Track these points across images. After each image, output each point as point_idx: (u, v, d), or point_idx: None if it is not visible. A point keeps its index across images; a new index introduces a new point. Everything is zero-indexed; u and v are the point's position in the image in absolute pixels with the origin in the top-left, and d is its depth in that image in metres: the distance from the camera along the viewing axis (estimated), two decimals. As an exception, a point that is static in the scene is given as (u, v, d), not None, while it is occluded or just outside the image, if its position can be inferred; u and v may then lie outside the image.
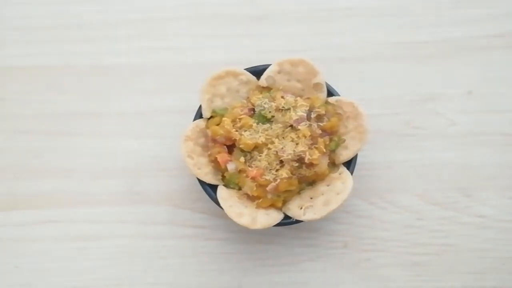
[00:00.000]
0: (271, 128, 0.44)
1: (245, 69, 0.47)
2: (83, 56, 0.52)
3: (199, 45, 0.53)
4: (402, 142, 0.50)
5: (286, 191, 0.44)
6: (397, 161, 0.49)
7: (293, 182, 0.43)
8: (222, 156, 0.45)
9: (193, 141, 0.45)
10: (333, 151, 0.45)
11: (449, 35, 0.52)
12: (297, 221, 0.44)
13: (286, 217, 0.44)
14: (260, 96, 0.45)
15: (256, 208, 0.44)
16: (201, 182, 0.45)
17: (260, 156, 0.44)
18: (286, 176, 0.43)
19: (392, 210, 0.48)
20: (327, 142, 0.44)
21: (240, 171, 0.44)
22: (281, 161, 0.43)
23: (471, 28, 0.52)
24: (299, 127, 0.43)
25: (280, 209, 0.45)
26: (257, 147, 0.44)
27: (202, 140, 0.46)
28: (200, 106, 0.47)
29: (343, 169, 0.45)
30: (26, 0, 0.54)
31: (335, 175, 0.45)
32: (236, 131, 0.44)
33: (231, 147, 0.45)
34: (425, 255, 0.47)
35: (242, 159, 0.44)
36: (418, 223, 0.48)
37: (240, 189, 0.45)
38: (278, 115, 0.44)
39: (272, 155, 0.43)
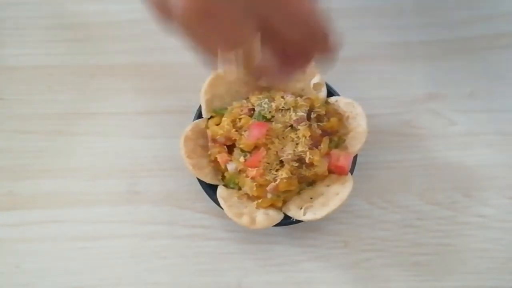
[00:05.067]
0: (271, 128, 0.44)
1: (245, 69, 0.47)
2: (83, 56, 0.53)
3: (199, 45, 0.53)
4: (402, 142, 0.50)
5: (286, 191, 0.44)
6: (397, 161, 0.49)
7: (293, 182, 0.43)
8: (222, 156, 0.45)
9: (193, 141, 0.45)
10: (333, 151, 0.45)
11: (449, 35, 0.52)
12: (297, 221, 0.44)
13: (286, 217, 0.44)
14: (260, 96, 0.45)
15: (256, 208, 0.44)
16: (201, 182, 0.45)
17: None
18: (286, 176, 0.43)
19: (392, 210, 0.48)
20: (328, 142, 0.45)
21: (240, 171, 0.44)
22: (281, 161, 0.43)
23: (471, 28, 0.52)
24: (299, 127, 0.43)
25: (280, 209, 0.45)
26: (257, 147, 0.44)
27: (202, 140, 0.46)
28: (200, 106, 0.47)
29: (343, 169, 0.45)
30: (26, 0, 0.54)
31: (335, 175, 0.45)
32: (236, 131, 0.44)
33: (231, 147, 0.45)
34: (425, 255, 0.47)
35: (242, 159, 0.44)
36: (418, 223, 0.48)
37: (240, 189, 0.45)
38: (278, 115, 0.44)
39: (272, 155, 0.43)
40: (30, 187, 0.49)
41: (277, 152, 0.43)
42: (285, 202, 0.45)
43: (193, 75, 0.51)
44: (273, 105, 0.44)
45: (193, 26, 0.26)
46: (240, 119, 0.45)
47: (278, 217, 0.44)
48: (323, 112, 0.45)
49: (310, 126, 0.44)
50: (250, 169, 0.43)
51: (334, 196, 0.43)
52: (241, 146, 0.44)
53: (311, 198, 0.44)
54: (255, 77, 0.33)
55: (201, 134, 0.46)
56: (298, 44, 0.29)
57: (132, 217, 0.48)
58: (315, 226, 0.48)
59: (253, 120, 0.44)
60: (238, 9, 0.26)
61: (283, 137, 0.44)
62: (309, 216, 0.43)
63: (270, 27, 0.27)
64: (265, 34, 0.28)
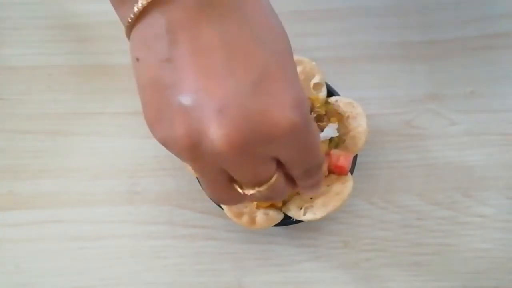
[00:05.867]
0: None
1: (245, 69, 0.47)
2: (83, 56, 0.53)
3: (199, 45, 0.53)
4: (402, 142, 0.50)
5: (286, 191, 0.44)
6: (397, 161, 0.49)
7: (293, 182, 0.43)
8: (222, 156, 0.44)
9: (193, 141, 0.45)
10: (333, 151, 0.45)
11: (449, 35, 0.52)
12: (297, 221, 0.44)
13: (286, 217, 0.44)
14: (260, 96, 0.45)
15: (256, 208, 0.44)
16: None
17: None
18: (286, 176, 0.43)
19: (392, 210, 0.48)
20: (328, 143, 0.44)
21: (240, 171, 0.44)
22: (281, 161, 0.43)
23: (471, 28, 0.52)
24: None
25: (280, 209, 0.45)
26: (257, 147, 0.44)
27: (202, 140, 0.46)
28: (200, 106, 0.47)
29: (343, 169, 0.45)
30: (26, 0, 0.54)
31: (335, 175, 0.45)
32: (236, 131, 0.44)
33: (231, 147, 0.45)
34: (425, 255, 0.47)
35: (242, 159, 0.44)
36: (418, 223, 0.48)
37: (240, 189, 0.45)
38: (278, 115, 0.44)
39: (272, 155, 0.43)
40: (30, 187, 0.49)
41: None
42: (285, 202, 0.45)
43: (193, 75, 0.51)
44: (273, 105, 0.44)
45: (227, 162, 0.27)
46: (240, 119, 0.44)
47: (278, 217, 0.44)
48: (323, 112, 0.45)
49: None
50: (250, 169, 0.43)
51: (334, 196, 0.43)
52: (241, 146, 0.44)
53: (311, 198, 0.44)
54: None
55: (201, 134, 0.46)
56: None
57: (132, 217, 0.48)
58: (315, 226, 0.48)
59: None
60: (265, 149, 0.27)
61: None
62: (309, 216, 0.43)
63: (284, 163, 0.29)
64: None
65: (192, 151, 0.27)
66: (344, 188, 0.43)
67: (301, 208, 0.43)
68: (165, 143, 0.28)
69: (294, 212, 0.44)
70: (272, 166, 0.28)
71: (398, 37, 0.52)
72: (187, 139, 0.26)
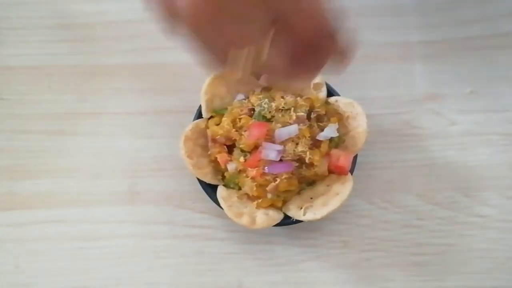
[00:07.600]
0: (271, 128, 0.44)
1: (245, 69, 0.47)
2: (83, 56, 0.53)
3: (199, 45, 0.53)
4: (402, 142, 0.50)
5: (286, 191, 0.44)
6: (397, 161, 0.49)
7: (293, 182, 0.43)
8: (222, 156, 0.45)
9: (193, 141, 0.45)
10: (333, 151, 0.45)
11: (449, 35, 0.52)
12: (297, 221, 0.44)
13: (286, 217, 0.44)
14: (260, 96, 0.45)
15: (256, 208, 0.44)
16: (201, 182, 0.45)
17: (260, 156, 0.44)
18: (286, 176, 0.43)
19: (392, 210, 0.48)
20: (328, 143, 0.45)
21: (240, 171, 0.44)
22: (281, 161, 0.43)
23: (471, 28, 0.52)
24: (299, 127, 0.43)
25: (280, 209, 0.45)
26: (257, 147, 0.44)
27: (202, 140, 0.46)
28: (200, 106, 0.47)
29: (343, 169, 0.45)
30: (26, 0, 0.54)
31: (335, 175, 0.45)
32: (236, 131, 0.44)
33: (231, 147, 0.45)
34: (425, 255, 0.47)
35: (242, 159, 0.44)
36: (418, 223, 0.48)
37: (240, 189, 0.45)
38: (278, 115, 0.44)
39: (272, 155, 0.43)
40: (30, 187, 0.49)
41: (277, 152, 0.43)
42: (285, 202, 0.45)
43: (193, 75, 0.51)
44: (273, 105, 0.44)
45: (203, 24, 0.26)
46: (240, 119, 0.45)
47: (278, 217, 0.44)
48: (323, 112, 0.45)
49: (310, 126, 0.44)
50: (250, 169, 0.43)
51: (334, 196, 0.43)
52: (241, 146, 0.44)
53: (311, 198, 0.44)
54: (257, 75, 0.33)
55: (201, 134, 0.46)
56: (310, 42, 0.29)
57: (132, 217, 0.48)
58: (315, 226, 0.48)
59: (253, 120, 0.44)
60: (253, 2, 0.26)
61: (283, 137, 0.44)
62: (309, 216, 0.43)
63: (283, 21, 0.27)
64: (277, 29, 0.28)
65: (169, 14, 0.27)
66: (344, 188, 0.43)
67: (301, 208, 0.44)
68: (152, 7, 0.28)
69: (294, 212, 0.44)
70: (261, 21, 0.27)
71: (398, 37, 0.52)
72: (163, 3, 0.27)
